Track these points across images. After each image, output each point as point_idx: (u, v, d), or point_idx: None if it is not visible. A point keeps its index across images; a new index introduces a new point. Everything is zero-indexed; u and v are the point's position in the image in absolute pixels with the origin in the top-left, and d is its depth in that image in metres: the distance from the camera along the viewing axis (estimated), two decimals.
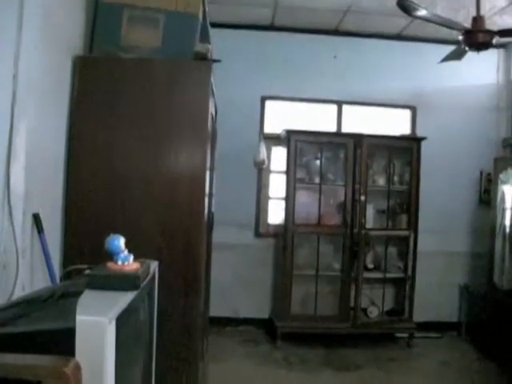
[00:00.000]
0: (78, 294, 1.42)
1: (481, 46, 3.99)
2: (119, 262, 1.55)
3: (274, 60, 6.11)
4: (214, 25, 5.49)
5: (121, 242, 1.58)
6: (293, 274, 5.68)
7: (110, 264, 1.56)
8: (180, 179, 3.03)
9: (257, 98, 6.19)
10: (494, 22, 5.25)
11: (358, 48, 6.23)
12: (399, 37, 6.22)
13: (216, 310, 5.51)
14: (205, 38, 3.42)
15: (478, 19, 4.01)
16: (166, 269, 2.79)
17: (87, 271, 1.62)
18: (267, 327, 6.01)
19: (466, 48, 4.08)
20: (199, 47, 3.08)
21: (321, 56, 6.20)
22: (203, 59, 3.05)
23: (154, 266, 1.91)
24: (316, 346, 5.60)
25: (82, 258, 2.66)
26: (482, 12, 4.26)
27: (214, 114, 3.73)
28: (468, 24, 4.13)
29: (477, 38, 3.94)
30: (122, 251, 1.58)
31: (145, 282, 1.62)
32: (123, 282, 1.48)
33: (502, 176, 5.55)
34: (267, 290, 6.19)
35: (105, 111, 2.99)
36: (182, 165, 3.04)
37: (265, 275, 6.18)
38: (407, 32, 5.96)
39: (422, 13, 3.82)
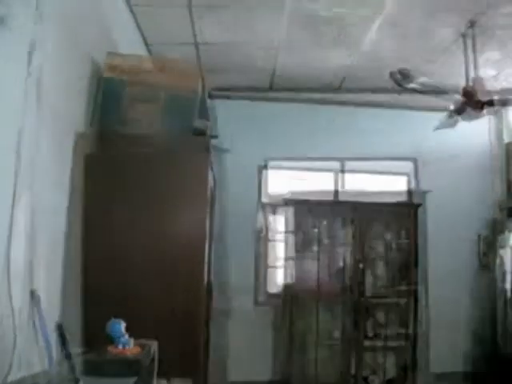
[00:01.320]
0: (76, 381, 1.40)
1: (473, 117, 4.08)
2: (120, 347, 1.54)
3: (271, 126, 6.21)
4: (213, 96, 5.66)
5: (122, 326, 1.58)
6: (294, 342, 5.59)
7: (110, 348, 1.55)
8: (179, 252, 3.02)
9: (255, 165, 6.25)
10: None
11: (355, 114, 6.37)
12: (393, 105, 6.37)
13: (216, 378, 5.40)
14: (204, 112, 3.50)
15: (468, 89, 4.10)
16: (164, 344, 2.80)
17: (87, 355, 1.61)
18: None
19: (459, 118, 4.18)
20: (198, 123, 3.14)
21: (319, 121, 6.30)
22: (202, 134, 3.10)
23: (153, 347, 1.89)
24: None
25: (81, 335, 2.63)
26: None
27: (212, 186, 3.77)
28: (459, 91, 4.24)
29: (469, 109, 4.02)
30: (123, 335, 1.57)
31: (145, 365, 1.61)
32: (124, 367, 1.47)
33: (500, 239, 5.57)
34: (268, 358, 6.08)
35: (105, 187, 3.01)
36: (181, 238, 3.03)
37: (266, 342, 6.07)
38: (402, 101, 6.09)
39: (412, 85, 3.93)
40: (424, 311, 5.90)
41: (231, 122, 5.90)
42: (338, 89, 6.17)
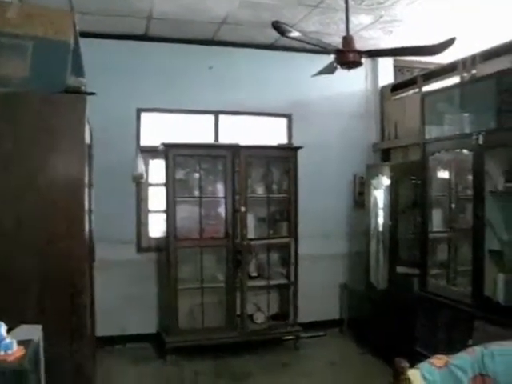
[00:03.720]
0: None
1: (351, 64, 4.14)
2: (1, 352, 1.44)
3: (149, 71, 5.98)
4: (86, 34, 5.29)
5: (2, 329, 1.47)
6: (178, 288, 5.62)
7: None
8: (56, 203, 2.88)
9: (132, 111, 6.02)
10: (361, 36, 5.51)
11: (233, 58, 6.26)
12: (274, 47, 6.33)
13: (103, 329, 5.35)
14: (78, 65, 3.26)
15: (347, 39, 4.14)
16: (46, 302, 2.71)
17: None
18: (157, 341, 5.91)
19: (338, 66, 4.22)
20: (72, 81, 2.93)
21: (196, 66, 6.15)
22: (76, 92, 2.90)
23: (38, 334, 1.79)
24: (207, 358, 5.61)
25: None
26: (351, 27, 4.43)
27: (89, 139, 3.59)
28: (339, 37, 4.28)
29: (347, 57, 4.07)
30: (4, 339, 1.47)
31: (31, 370, 1.52)
32: (7, 379, 1.37)
33: (373, 182, 5.83)
34: (153, 304, 6.09)
35: None
36: (57, 188, 2.88)
37: (150, 290, 6.07)
38: (282, 42, 6.02)
39: (294, 34, 3.89)
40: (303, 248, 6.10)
41: (103, 63, 5.61)
42: (215, 36, 6.04)
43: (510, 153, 3.97)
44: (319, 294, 6.43)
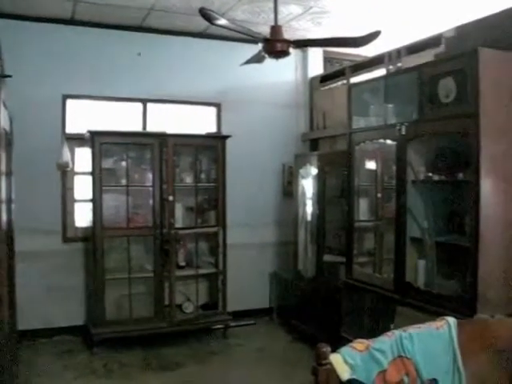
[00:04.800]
0: None
1: (279, 54, 4.16)
2: None
3: (76, 57, 5.81)
4: (8, 16, 5.10)
5: None
6: (105, 278, 5.53)
7: None
8: None
9: (57, 97, 5.82)
10: (291, 26, 5.54)
11: (162, 45, 6.18)
12: (204, 35, 6.28)
13: (26, 322, 5.23)
14: None
15: (275, 28, 4.16)
16: None
17: None
18: (83, 334, 5.79)
19: (266, 55, 4.23)
20: None
21: (125, 53, 6.03)
22: None
23: None
24: (135, 349, 5.55)
25: None
26: (280, 17, 4.45)
27: (8, 125, 3.45)
28: (268, 27, 4.29)
29: (275, 46, 4.09)
30: None
31: None
32: None
33: (301, 171, 5.90)
34: (80, 295, 5.95)
35: None
36: None
37: (76, 281, 5.92)
38: (211, 30, 5.98)
39: (222, 22, 3.87)
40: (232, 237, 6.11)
41: (27, 46, 5.44)
42: (144, 22, 5.93)
43: (431, 143, 4.10)
44: (248, 282, 6.49)
